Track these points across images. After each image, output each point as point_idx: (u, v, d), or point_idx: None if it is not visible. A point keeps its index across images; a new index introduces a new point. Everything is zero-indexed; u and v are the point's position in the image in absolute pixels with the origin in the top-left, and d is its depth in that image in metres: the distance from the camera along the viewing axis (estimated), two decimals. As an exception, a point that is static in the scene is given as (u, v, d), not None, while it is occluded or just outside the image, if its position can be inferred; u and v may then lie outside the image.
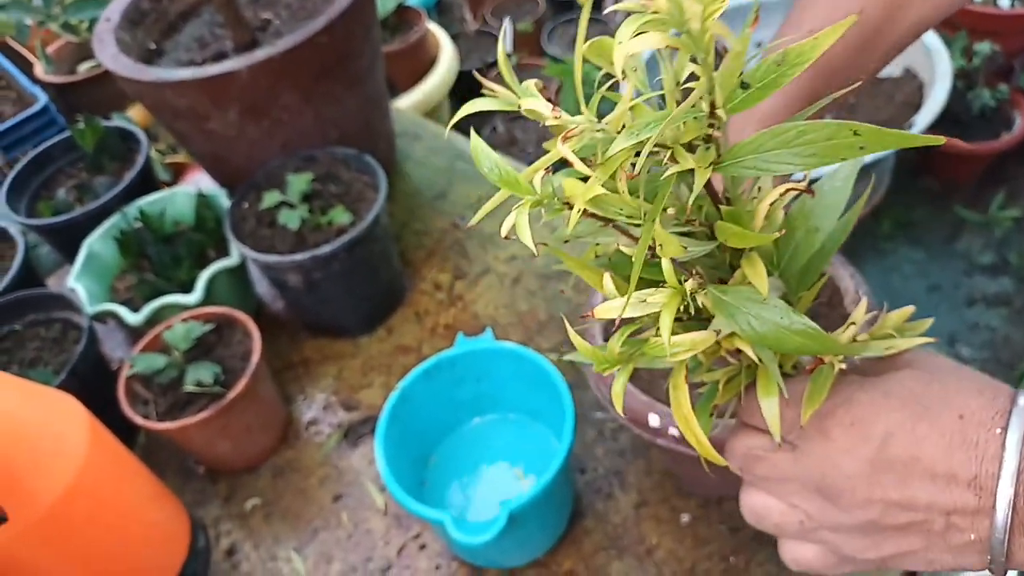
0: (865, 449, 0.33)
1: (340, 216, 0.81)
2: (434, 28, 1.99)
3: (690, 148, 0.30)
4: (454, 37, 2.08)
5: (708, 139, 0.29)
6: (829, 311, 0.60)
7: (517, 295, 0.90)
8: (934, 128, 1.68)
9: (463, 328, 0.88)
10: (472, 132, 0.36)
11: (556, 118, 0.30)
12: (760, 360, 0.33)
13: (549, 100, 0.32)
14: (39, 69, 1.48)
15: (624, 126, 0.30)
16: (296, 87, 0.81)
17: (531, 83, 0.33)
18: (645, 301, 0.31)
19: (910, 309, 0.38)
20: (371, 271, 0.84)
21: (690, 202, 0.30)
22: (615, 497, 0.72)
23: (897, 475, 0.33)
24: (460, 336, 0.71)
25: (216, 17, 0.95)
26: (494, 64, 2.15)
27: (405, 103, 1.77)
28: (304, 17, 0.91)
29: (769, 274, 0.33)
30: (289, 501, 0.78)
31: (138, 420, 0.72)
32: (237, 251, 0.84)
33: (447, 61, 1.91)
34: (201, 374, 0.73)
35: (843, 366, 0.35)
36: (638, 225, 0.32)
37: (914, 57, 1.60)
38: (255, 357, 0.74)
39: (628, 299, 0.31)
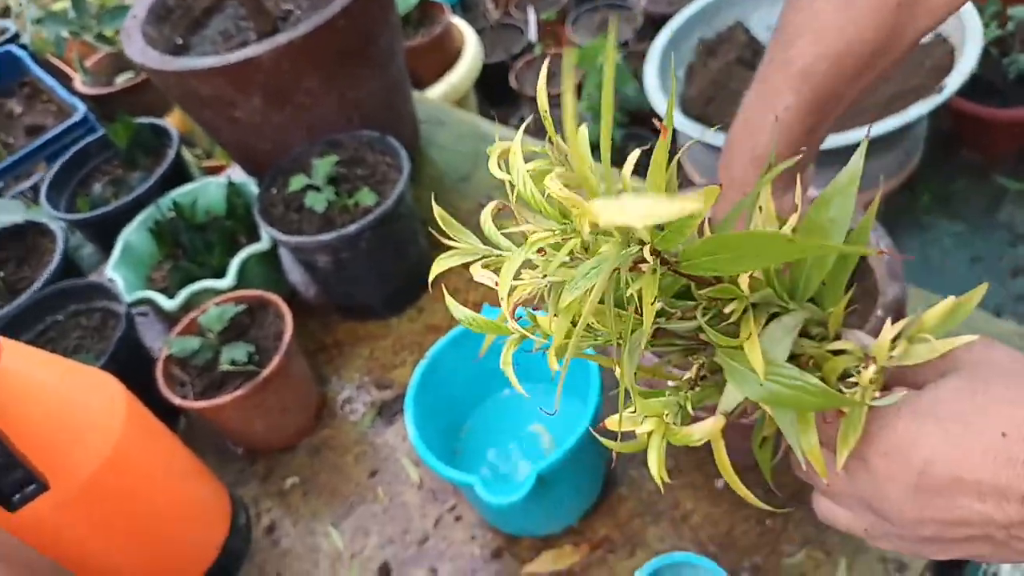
0: (906, 477, 0.33)
1: (365, 197, 0.81)
2: (457, 21, 2.00)
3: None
4: (479, 30, 2.09)
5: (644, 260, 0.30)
6: (861, 293, 0.59)
7: (545, 271, 0.90)
8: (969, 94, 1.64)
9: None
10: (444, 291, 0.39)
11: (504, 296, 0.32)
12: (777, 420, 0.34)
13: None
14: (78, 82, 1.53)
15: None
16: (317, 71, 0.83)
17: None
18: (641, 423, 0.34)
19: (948, 304, 0.35)
20: (398, 250, 0.85)
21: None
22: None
23: (944, 498, 0.32)
24: (485, 306, 0.71)
25: (240, 11, 0.97)
26: (518, 56, 2.15)
27: (431, 95, 1.78)
28: (325, 5, 0.92)
29: (787, 307, 0.33)
30: (326, 478, 0.79)
31: (175, 400, 0.73)
32: (267, 235, 0.86)
33: (471, 54, 1.92)
34: (235, 353, 0.74)
35: (871, 403, 0.34)
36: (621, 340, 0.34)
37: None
38: (287, 336, 0.75)
39: (620, 417, 0.34)
